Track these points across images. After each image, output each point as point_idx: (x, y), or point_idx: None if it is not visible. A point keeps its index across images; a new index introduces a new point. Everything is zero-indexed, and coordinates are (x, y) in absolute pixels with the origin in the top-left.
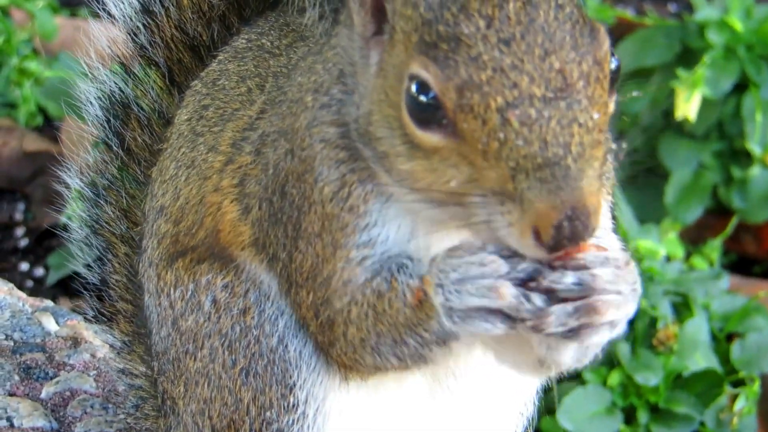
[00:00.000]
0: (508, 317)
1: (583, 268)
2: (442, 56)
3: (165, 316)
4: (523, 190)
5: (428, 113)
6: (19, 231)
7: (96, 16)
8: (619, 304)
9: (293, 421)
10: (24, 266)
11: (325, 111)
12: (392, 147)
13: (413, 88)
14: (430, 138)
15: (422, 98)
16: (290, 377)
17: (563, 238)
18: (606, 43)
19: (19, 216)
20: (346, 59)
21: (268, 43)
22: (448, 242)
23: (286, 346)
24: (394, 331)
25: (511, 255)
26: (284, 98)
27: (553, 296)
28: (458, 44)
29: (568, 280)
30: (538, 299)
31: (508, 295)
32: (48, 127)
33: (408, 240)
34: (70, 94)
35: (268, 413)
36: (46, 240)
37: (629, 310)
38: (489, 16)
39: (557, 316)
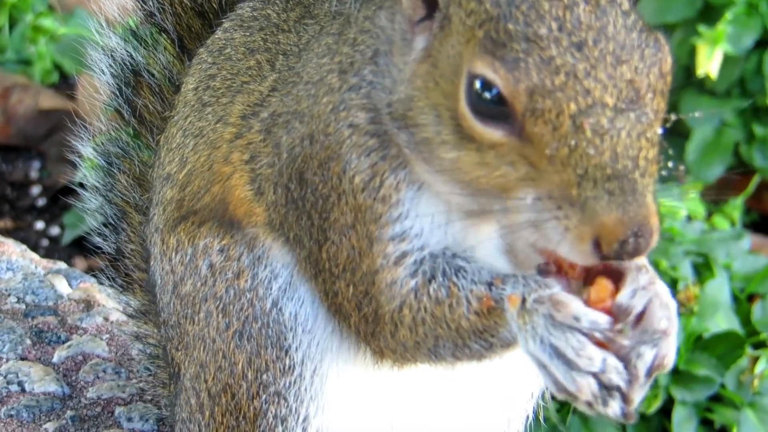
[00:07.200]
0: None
1: (655, 331)
2: (511, 57)
3: (167, 281)
4: (588, 199)
5: (492, 110)
6: (35, 189)
7: None
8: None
9: (290, 383)
10: (39, 225)
11: (354, 93)
12: (437, 135)
13: (477, 84)
14: (491, 133)
15: (486, 95)
16: (285, 339)
17: (625, 252)
18: (669, 55)
19: (34, 174)
20: (383, 39)
21: (275, 15)
22: (485, 233)
23: (281, 309)
24: (456, 336)
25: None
26: (298, 79)
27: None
28: (529, 45)
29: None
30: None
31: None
32: (64, 84)
33: (444, 232)
34: (85, 50)
35: (264, 376)
36: (61, 198)
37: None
38: (560, 17)
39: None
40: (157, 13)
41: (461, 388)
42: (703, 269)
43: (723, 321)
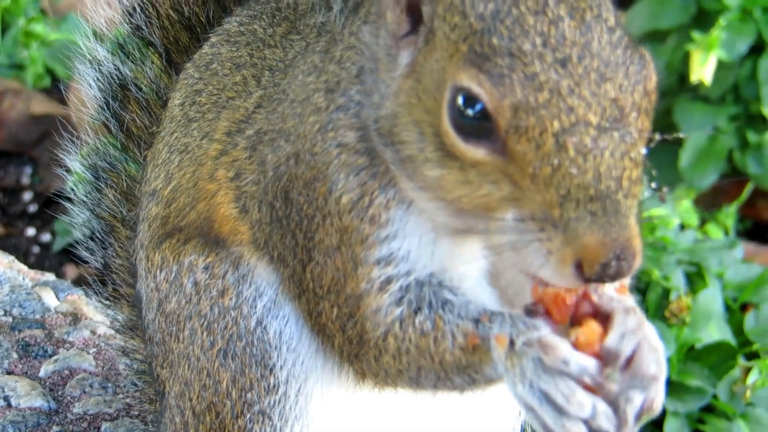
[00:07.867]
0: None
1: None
2: (496, 72)
3: (152, 298)
4: (570, 220)
5: (474, 126)
6: (26, 195)
7: None
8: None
9: (275, 402)
10: (31, 231)
11: (342, 113)
12: (420, 152)
13: (460, 99)
14: (474, 151)
15: (469, 111)
16: (270, 358)
17: (606, 275)
18: (654, 73)
19: (26, 180)
20: (368, 55)
21: (261, 30)
22: (471, 256)
23: (265, 327)
24: (439, 369)
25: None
26: (283, 97)
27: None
28: (513, 61)
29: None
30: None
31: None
32: (55, 88)
33: (431, 254)
34: (77, 55)
35: (248, 395)
36: (53, 204)
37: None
38: (544, 33)
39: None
40: (144, 27)
41: (448, 407)
42: (695, 279)
43: (715, 331)
